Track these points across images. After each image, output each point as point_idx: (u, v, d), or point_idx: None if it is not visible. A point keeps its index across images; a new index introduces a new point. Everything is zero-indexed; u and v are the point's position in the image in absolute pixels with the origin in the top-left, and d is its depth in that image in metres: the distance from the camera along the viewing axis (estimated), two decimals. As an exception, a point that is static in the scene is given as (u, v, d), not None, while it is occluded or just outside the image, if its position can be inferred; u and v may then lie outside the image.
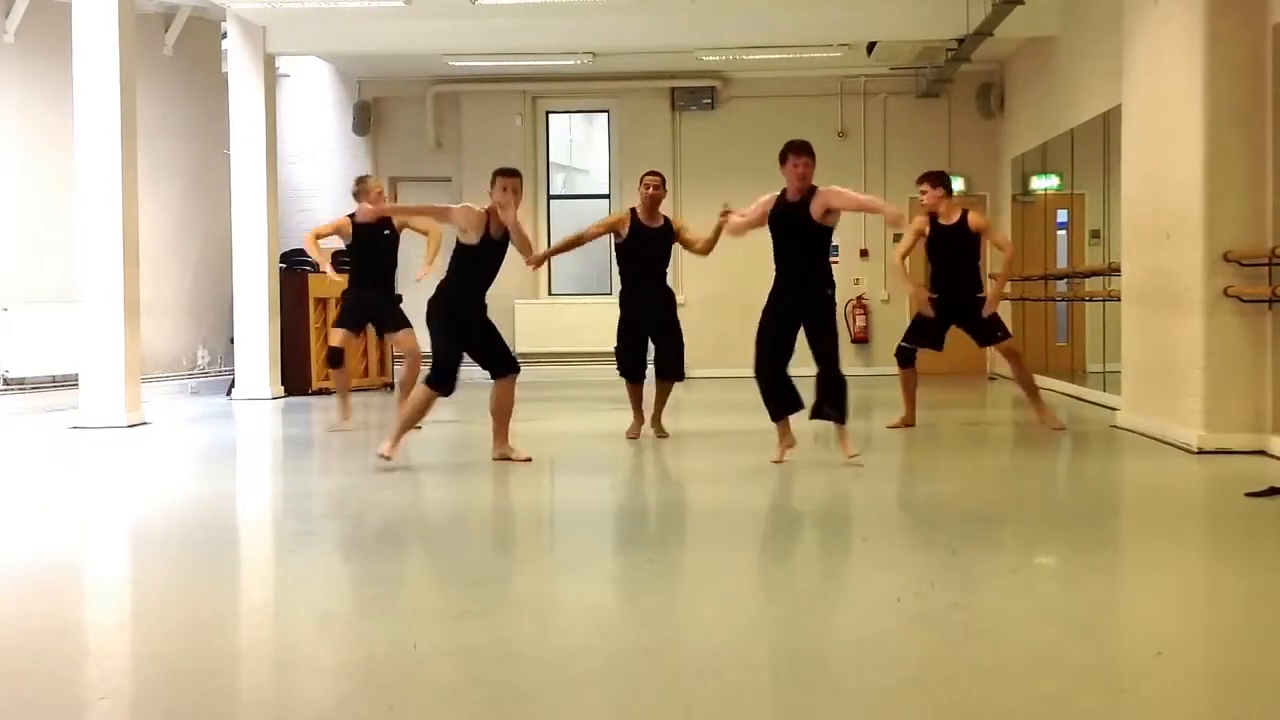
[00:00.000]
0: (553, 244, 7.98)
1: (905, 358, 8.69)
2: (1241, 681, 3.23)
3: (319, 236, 9.21)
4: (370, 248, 8.94)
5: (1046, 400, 8.88)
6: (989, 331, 8.59)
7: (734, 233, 7.36)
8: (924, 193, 8.52)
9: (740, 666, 3.32)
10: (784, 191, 6.86)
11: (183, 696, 3.17)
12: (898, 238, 14.73)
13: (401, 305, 9.18)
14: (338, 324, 9.30)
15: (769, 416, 7.02)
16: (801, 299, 6.79)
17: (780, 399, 6.94)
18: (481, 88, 14.94)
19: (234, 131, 12.26)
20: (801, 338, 6.87)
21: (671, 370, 8.25)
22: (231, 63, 12.30)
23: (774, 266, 6.93)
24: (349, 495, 6.29)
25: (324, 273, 9.51)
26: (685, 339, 8.32)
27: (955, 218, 8.44)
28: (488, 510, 6.23)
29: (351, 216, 8.88)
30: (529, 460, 7.13)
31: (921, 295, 8.54)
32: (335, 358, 9.15)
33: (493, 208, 6.87)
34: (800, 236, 6.78)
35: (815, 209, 6.71)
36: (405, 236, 9.16)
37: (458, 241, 6.98)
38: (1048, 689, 3.13)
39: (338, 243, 9.55)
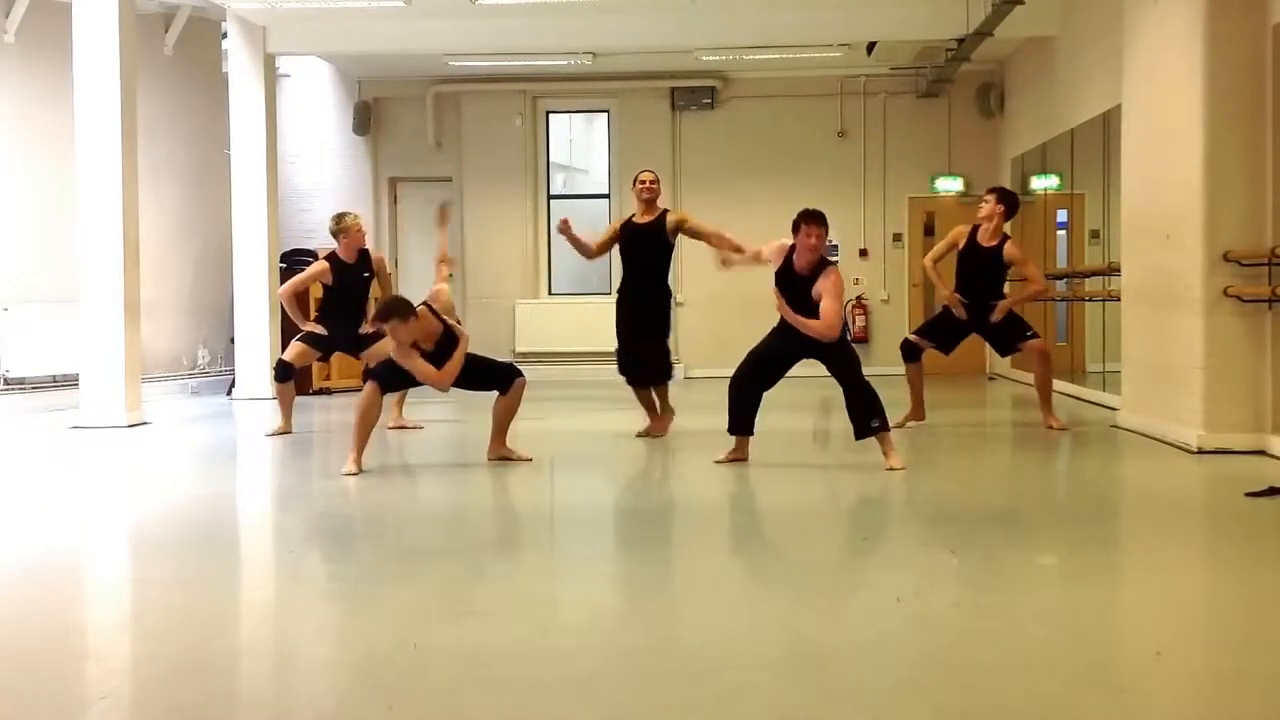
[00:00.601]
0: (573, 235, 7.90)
1: (911, 353, 8.65)
2: (1241, 682, 3.23)
3: (299, 290, 8.84)
4: (349, 287, 8.72)
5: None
6: (1010, 339, 8.57)
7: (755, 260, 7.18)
8: (986, 201, 8.51)
9: (740, 666, 3.32)
10: (793, 250, 6.72)
11: (183, 696, 3.17)
12: (897, 238, 14.86)
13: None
14: (302, 340, 8.73)
15: (728, 426, 6.97)
16: (806, 340, 6.71)
17: (742, 417, 6.91)
18: (481, 88, 14.94)
19: (234, 131, 12.26)
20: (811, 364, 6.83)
21: (640, 378, 8.13)
22: (231, 63, 12.31)
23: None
24: (349, 495, 6.29)
25: (306, 329, 8.75)
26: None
27: (995, 241, 8.41)
28: (488, 510, 6.24)
29: (329, 257, 8.75)
30: (529, 460, 7.15)
31: (954, 298, 8.50)
32: (283, 371, 8.74)
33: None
34: (804, 308, 6.66)
35: (816, 291, 6.62)
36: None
37: None
38: (1048, 689, 3.13)
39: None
